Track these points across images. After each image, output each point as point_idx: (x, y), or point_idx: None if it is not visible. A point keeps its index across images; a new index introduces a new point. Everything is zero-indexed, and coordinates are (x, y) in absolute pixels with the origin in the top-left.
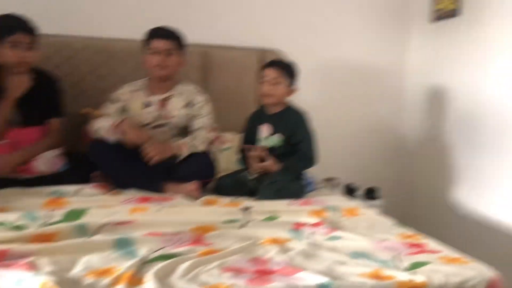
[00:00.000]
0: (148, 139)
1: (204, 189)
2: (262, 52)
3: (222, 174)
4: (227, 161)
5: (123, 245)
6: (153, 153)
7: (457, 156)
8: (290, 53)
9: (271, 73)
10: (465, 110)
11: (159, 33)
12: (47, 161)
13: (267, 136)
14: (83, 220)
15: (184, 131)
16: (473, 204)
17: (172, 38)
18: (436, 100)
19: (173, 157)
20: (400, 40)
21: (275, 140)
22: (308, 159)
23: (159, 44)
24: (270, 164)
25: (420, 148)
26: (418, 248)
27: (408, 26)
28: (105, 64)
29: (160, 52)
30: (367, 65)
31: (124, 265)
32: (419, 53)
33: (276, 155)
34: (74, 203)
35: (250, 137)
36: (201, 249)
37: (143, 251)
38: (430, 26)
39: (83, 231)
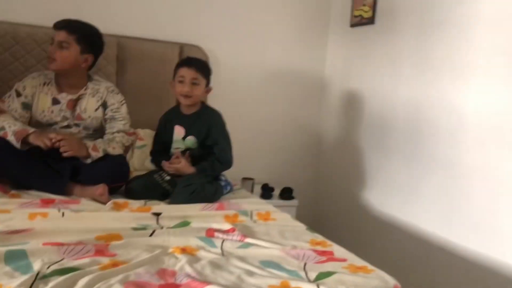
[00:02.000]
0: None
1: (114, 193)
2: (182, 46)
3: (134, 174)
4: (140, 159)
5: (15, 258)
6: (68, 148)
7: (369, 158)
8: (211, 51)
9: (190, 74)
10: (377, 114)
11: (55, 24)
12: None
13: (182, 137)
14: None
15: (95, 133)
16: (382, 206)
17: (67, 29)
18: (352, 104)
19: (84, 157)
20: (320, 44)
21: (190, 141)
22: (224, 161)
23: (56, 35)
24: (185, 165)
25: (335, 150)
26: (326, 256)
27: (328, 31)
28: (8, 51)
29: (52, 44)
30: (288, 67)
31: (14, 283)
32: (338, 58)
33: (191, 157)
34: None
35: (163, 137)
36: (104, 260)
37: (38, 264)
38: (349, 31)
39: None
